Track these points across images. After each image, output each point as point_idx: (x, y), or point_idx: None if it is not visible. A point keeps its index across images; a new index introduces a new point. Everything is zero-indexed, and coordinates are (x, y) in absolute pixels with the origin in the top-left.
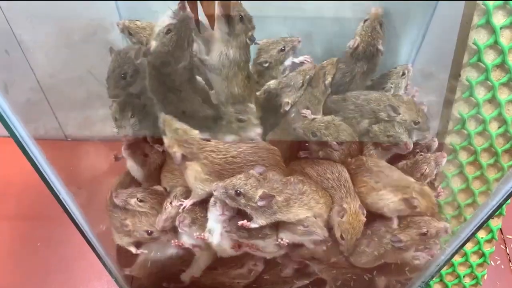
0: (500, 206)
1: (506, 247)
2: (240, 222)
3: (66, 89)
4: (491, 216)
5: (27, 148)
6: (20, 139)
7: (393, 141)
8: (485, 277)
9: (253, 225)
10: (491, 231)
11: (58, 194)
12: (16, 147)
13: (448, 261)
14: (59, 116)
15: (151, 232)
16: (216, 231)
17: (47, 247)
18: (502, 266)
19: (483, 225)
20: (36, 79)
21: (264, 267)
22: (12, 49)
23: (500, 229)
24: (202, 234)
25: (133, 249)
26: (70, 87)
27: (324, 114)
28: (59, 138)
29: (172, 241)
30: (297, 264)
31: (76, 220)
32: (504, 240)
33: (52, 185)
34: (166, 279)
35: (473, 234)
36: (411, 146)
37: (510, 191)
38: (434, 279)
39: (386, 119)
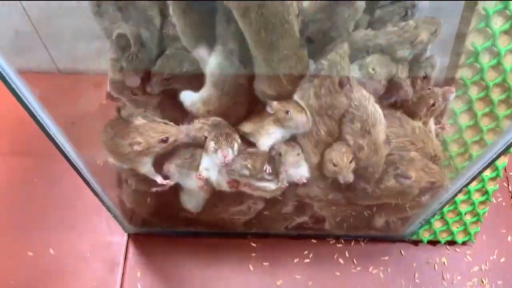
0: (511, 145)
1: (508, 185)
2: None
3: (57, 21)
4: (500, 155)
5: (9, 80)
6: (2, 72)
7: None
8: (486, 214)
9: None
10: (496, 169)
11: (48, 129)
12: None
13: (451, 199)
14: (51, 49)
15: (166, 138)
16: (213, 170)
17: (44, 184)
18: (504, 203)
19: (490, 164)
20: (23, 7)
21: (264, 204)
22: None
23: (505, 166)
24: (199, 174)
25: (158, 179)
26: (62, 18)
27: None
28: (52, 72)
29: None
30: (296, 201)
31: (69, 156)
32: (507, 177)
33: (39, 119)
34: (166, 216)
35: (480, 173)
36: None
37: None
38: (435, 216)
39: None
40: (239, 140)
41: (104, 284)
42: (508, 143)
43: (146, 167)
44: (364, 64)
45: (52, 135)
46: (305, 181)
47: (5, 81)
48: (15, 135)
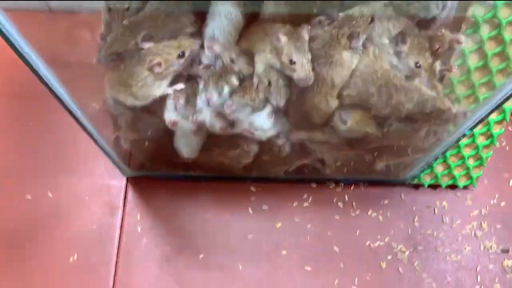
0: None
1: None
2: None
3: None
4: (509, 98)
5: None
6: None
7: None
8: (489, 158)
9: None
10: (503, 111)
11: (37, 70)
12: None
13: (456, 143)
14: None
15: (183, 53)
16: (206, 110)
17: (41, 127)
18: (507, 148)
19: (498, 107)
20: None
21: (263, 148)
22: None
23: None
24: (195, 117)
25: (170, 90)
26: None
27: None
28: (43, 11)
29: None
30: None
31: (62, 100)
32: (511, 121)
33: (28, 60)
34: (164, 161)
35: (487, 116)
36: None
37: None
38: (437, 160)
39: None
40: (234, 82)
41: (104, 226)
42: None
43: (162, 89)
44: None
45: (43, 77)
46: None
47: None
48: (9, 76)
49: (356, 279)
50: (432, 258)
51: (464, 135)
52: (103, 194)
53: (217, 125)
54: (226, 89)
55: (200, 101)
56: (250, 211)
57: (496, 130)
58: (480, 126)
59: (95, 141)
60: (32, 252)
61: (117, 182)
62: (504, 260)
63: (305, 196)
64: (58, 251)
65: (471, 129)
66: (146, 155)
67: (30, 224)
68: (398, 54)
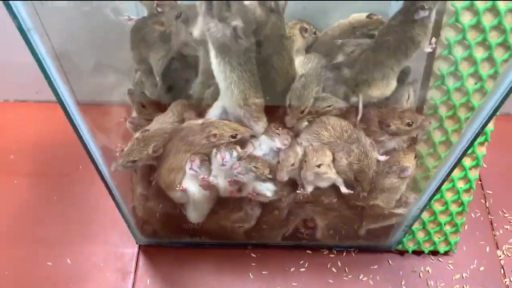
0: (471, 143)
1: (485, 201)
2: None
3: (79, 56)
4: (464, 155)
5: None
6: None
7: None
8: (465, 226)
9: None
10: (469, 181)
11: (93, 155)
12: (29, 111)
13: (427, 204)
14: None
15: (236, 135)
16: (220, 177)
17: (64, 201)
18: (482, 218)
19: (458, 163)
20: (51, 45)
21: (264, 211)
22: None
23: (481, 184)
24: (207, 178)
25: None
26: (83, 54)
27: None
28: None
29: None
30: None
31: (106, 180)
32: (484, 195)
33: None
34: (173, 227)
35: (449, 173)
36: None
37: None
38: (414, 223)
39: None
40: (239, 150)
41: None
42: (470, 142)
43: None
44: None
45: (94, 158)
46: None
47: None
48: (34, 157)
49: None
50: None
51: (434, 194)
52: (117, 260)
53: (227, 188)
54: (234, 153)
55: (215, 161)
56: (251, 275)
57: (465, 198)
58: (451, 194)
59: (119, 207)
60: None
61: (130, 249)
62: None
63: (301, 262)
64: None
65: (438, 188)
66: (157, 222)
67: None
68: None
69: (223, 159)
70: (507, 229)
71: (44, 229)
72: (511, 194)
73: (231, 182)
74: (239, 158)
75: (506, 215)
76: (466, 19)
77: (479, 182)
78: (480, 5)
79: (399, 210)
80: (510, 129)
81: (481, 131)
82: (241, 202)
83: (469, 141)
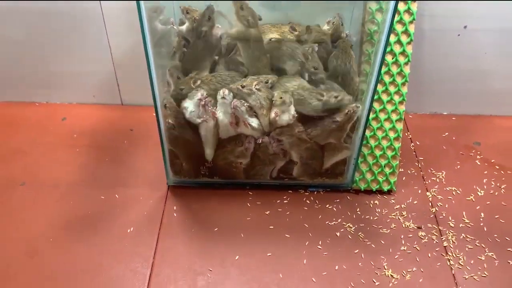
0: (378, 75)
1: (418, 163)
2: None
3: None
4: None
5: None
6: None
7: None
8: (403, 178)
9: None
10: (397, 131)
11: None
12: (87, 110)
13: (363, 135)
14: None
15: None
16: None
17: (113, 161)
18: (415, 174)
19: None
20: (111, 54)
21: (256, 147)
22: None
23: (415, 153)
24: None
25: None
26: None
27: None
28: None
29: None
30: (276, 141)
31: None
32: (418, 160)
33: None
34: (194, 165)
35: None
36: None
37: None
38: (359, 156)
39: None
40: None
41: (153, 211)
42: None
43: None
44: None
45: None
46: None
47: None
48: (94, 137)
49: (320, 241)
50: (370, 231)
51: (366, 125)
52: (153, 196)
53: (227, 120)
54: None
55: (219, 97)
56: (248, 205)
57: (396, 144)
58: (385, 142)
59: (163, 148)
60: (104, 226)
61: (163, 189)
62: (418, 232)
63: (285, 197)
64: (119, 225)
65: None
66: (182, 154)
67: (102, 212)
68: None
69: (223, 93)
70: (433, 179)
71: (99, 177)
72: (436, 160)
73: (232, 115)
74: (234, 96)
75: (433, 171)
76: (379, 16)
77: (414, 153)
78: (384, 6)
79: (347, 144)
80: (430, 124)
81: (381, 65)
82: (241, 138)
83: (376, 72)
